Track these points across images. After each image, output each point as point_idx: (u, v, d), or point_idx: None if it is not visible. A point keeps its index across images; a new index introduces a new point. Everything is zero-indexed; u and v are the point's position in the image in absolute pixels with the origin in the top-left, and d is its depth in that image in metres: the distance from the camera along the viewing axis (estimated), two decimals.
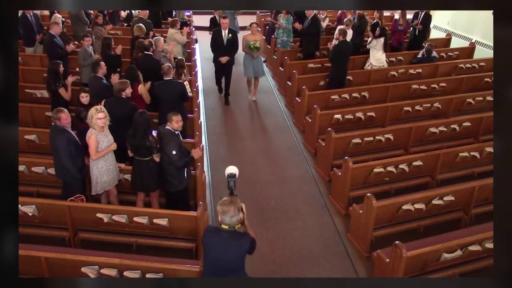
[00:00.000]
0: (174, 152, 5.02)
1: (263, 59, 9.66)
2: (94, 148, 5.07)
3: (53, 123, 5.14)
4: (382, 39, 9.18)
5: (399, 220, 5.41)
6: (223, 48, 8.56)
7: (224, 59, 8.59)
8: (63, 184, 5.35)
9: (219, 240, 3.56)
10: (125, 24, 11.47)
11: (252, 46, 8.58)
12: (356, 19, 10.04)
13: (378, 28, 9.29)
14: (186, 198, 5.53)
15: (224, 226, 3.56)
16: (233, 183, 3.97)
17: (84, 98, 5.85)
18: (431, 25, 12.56)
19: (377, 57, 9.31)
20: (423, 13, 10.22)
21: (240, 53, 9.31)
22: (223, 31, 8.51)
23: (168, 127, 5.13)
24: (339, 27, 9.72)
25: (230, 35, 8.50)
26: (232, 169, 4.03)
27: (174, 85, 6.49)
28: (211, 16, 11.28)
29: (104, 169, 5.22)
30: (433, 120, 7.46)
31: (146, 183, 5.31)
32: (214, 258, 3.60)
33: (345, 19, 9.92)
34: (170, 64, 6.72)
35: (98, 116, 5.04)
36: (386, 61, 9.61)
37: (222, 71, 8.98)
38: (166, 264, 4.24)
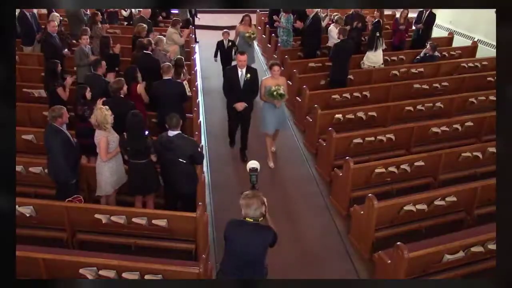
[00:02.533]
0: (199, 149, 5.14)
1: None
2: (105, 150, 5.10)
3: (49, 123, 5.11)
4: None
5: (400, 221, 5.37)
6: (239, 92, 6.59)
7: (240, 106, 6.63)
8: (57, 185, 5.33)
9: (244, 233, 3.63)
10: (125, 23, 11.40)
11: (274, 93, 6.50)
12: (355, 17, 9.99)
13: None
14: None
15: (248, 219, 3.62)
16: (255, 178, 4.05)
17: (88, 93, 5.85)
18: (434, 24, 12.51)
19: (368, 55, 9.14)
20: (427, 12, 10.14)
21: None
22: (239, 70, 6.51)
23: (178, 131, 5.03)
24: (332, 25, 9.66)
25: (248, 75, 6.51)
26: (253, 164, 4.12)
27: (174, 85, 6.45)
28: (219, 40, 9.34)
29: (114, 168, 5.25)
30: (435, 120, 7.39)
31: (149, 185, 5.28)
32: (238, 250, 3.67)
33: (336, 17, 9.85)
34: (170, 64, 6.67)
35: (110, 113, 5.10)
36: (388, 60, 9.53)
37: (238, 120, 6.98)
38: (165, 266, 4.21)
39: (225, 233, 3.74)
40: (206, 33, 13.69)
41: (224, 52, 9.17)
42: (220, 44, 9.23)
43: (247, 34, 9.24)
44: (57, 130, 5.05)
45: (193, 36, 12.77)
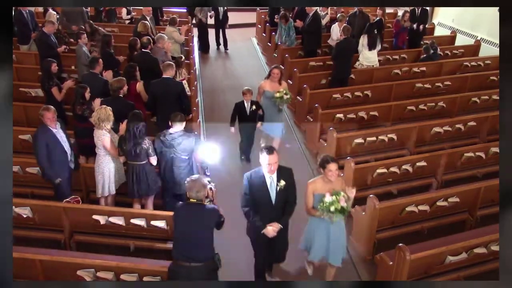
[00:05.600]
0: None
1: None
2: (114, 147, 5.11)
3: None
4: (366, 36, 8.76)
5: (402, 222, 5.34)
6: (269, 209, 4.22)
7: (273, 231, 4.22)
8: (53, 185, 5.29)
9: (188, 212, 3.88)
10: (127, 22, 11.29)
11: (332, 208, 4.15)
12: (358, 15, 9.91)
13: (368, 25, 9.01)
14: None
15: (192, 200, 3.88)
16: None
17: (88, 94, 5.80)
18: (436, 22, 12.43)
19: (366, 55, 8.89)
20: (419, 10, 10.04)
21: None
22: (267, 175, 4.17)
23: (180, 129, 5.01)
24: (336, 24, 9.59)
25: (282, 182, 4.19)
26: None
27: (172, 84, 6.33)
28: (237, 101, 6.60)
29: (115, 168, 5.25)
30: (437, 120, 7.34)
31: (144, 189, 5.22)
32: (183, 230, 3.85)
33: (338, 15, 9.77)
34: (171, 62, 6.56)
35: (112, 114, 5.09)
36: (390, 59, 9.41)
37: (268, 246, 4.45)
38: (164, 267, 4.17)
39: (173, 216, 3.99)
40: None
41: (245, 119, 6.53)
42: (239, 108, 6.52)
43: (277, 95, 6.44)
44: (44, 129, 5.01)
45: (223, 41, 11.94)
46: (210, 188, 4.18)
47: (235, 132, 6.65)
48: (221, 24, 11.66)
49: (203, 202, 3.93)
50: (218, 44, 12.09)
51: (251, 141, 6.78)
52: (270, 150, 4.14)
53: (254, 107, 6.47)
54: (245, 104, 6.48)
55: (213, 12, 11.35)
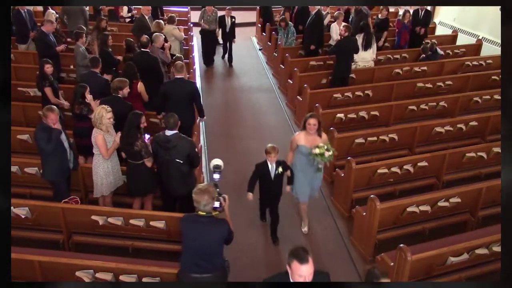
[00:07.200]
0: (197, 150, 5.06)
1: None
2: (105, 147, 5.05)
3: (41, 121, 5.04)
4: (361, 35, 8.60)
5: (403, 222, 5.31)
6: None
7: None
8: (52, 185, 5.27)
9: (197, 225, 3.72)
10: (128, 21, 11.26)
11: None
12: (354, 13, 9.89)
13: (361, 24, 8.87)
14: None
15: (200, 213, 3.72)
16: (218, 175, 4.20)
17: (88, 93, 5.75)
18: (437, 21, 12.40)
19: (362, 55, 8.69)
20: (422, 11, 10.01)
21: None
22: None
23: (176, 131, 4.94)
24: (334, 23, 9.54)
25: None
26: (217, 161, 4.30)
27: (185, 84, 6.25)
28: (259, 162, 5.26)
29: (109, 169, 5.18)
30: (439, 120, 7.32)
31: (139, 187, 5.19)
32: (192, 244, 3.74)
33: (335, 13, 9.72)
34: (183, 63, 6.50)
35: (108, 116, 5.02)
36: (391, 58, 9.37)
37: None
38: (163, 268, 4.17)
39: (181, 227, 3.85)
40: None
41: (269, 184, 5.23)
42: (260, 171, 5.22)
43: (317, 151, 5.05)
44: (46, 128, 4.96)
45: (228, 57, 11.15)
46: (224, 199, 4.02)
47: (253, 199, 5.32)
48: (228, 37, 10.84)
49: (212, 212, 3.76)
50: (224, 53, 11.38)
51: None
52: (303, 258, 2.90)
53: (280, 169, 5.16)
54: (269, 166, 5.15)
55: (220, 29, 10.67)
